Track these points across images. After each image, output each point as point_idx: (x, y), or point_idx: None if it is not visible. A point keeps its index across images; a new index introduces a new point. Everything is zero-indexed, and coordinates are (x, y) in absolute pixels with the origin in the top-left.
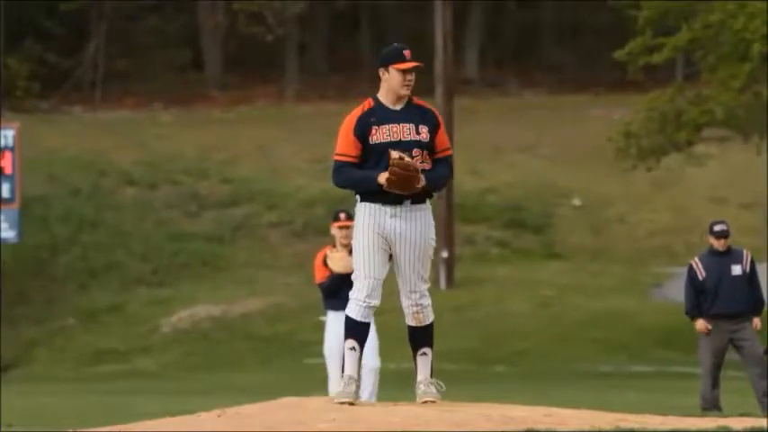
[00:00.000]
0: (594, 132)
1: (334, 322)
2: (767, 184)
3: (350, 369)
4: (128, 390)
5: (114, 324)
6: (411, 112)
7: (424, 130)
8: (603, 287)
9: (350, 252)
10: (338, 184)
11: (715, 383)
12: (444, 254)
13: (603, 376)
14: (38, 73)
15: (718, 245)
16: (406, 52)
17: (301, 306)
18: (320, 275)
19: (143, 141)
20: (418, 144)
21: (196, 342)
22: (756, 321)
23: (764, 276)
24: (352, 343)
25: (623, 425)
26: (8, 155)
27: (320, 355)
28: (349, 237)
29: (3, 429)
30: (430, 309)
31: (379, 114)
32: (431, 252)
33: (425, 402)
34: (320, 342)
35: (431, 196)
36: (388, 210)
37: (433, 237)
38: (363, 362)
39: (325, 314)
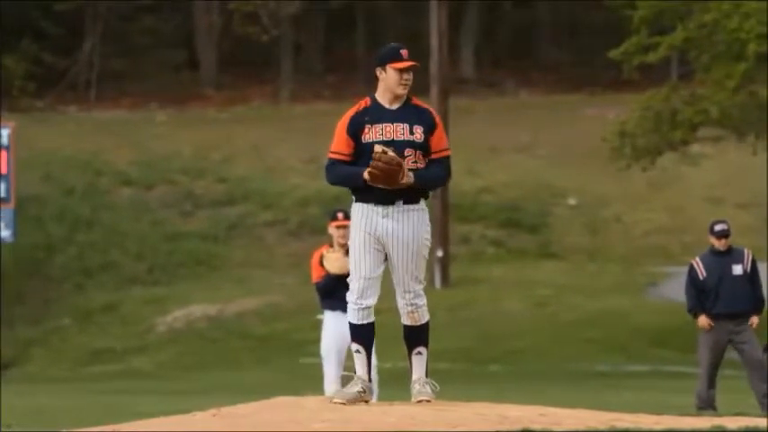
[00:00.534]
0: (590, 132)
1: (330, 321)
2: (767, 184)
3: (359, 370)
4: (124, 389)
5: (110, 324)
6: (407, 112)
7: (418, 130)
8: (599, 287)
9: (347, 252)
10: (329, 181)
11: (711, 383)
12: (439, 253)
13: (599, 376)
14: (33, 72)
15: (719, 244)
16: (403, 51)
17: (297, 305)
18: (316, 275)
19: (138, 141)
20: (411, 144)
21: (191, 341)
22: (754, 320)
23: (764, 276)
24: (356, 346)
25: (619, 424)
26: (3, 154)
27: (316, 354)
28: (346, 236)
29: (2, 429)
30: (425, 308)
31: (374, 114)
32: (425, 252)
33: (420, 402)
34: (316, 341)
35: (426, 196)
36: (380, 210)
37: (428, 237)
38: None
39: (322, 313)
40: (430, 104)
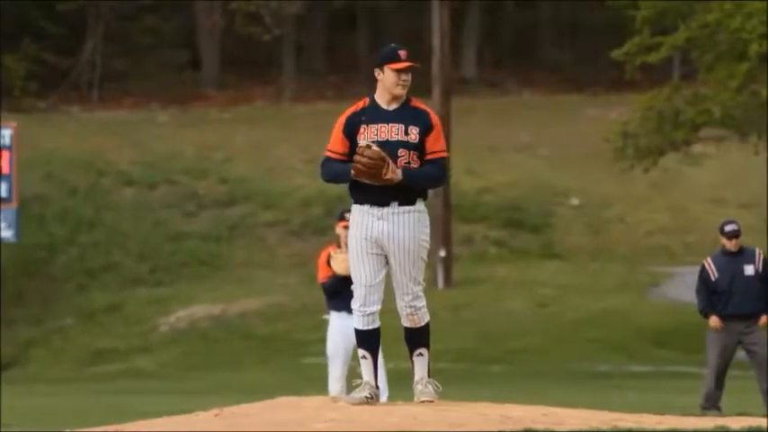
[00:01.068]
0: (592, 132)
1: (336, 322)
2: (767, 184)
3: (365, 376)
4: (126, 389)
5: (112, 324)
6: (404, 113)
7: (414, 131)
8: (602, 287)
9: None
10: (323, 178)
11: (719, 384)
12: (442, 253)
13: (601, 376)
14: (35, 72)
15: (730, 245)
16: (402, 52)
17: (299, 305)
18: (323, 275)
19: (141, 141)
20: (405, 145)
21: (194, 341)
22: (764, 319)
23: None
24: (362, 352)
25: (621, 424)
26: (5, 154)
27: (318, 354)
28: None
29: (2, 430)
30: (425, 310)
31: (371, 114)
32: (423, 254)
33: (423, 402)
34: (318, 342)
35: (424, 197)
36: (375, 212)
37: (426, 239)
38: None
39: (328, 313)
40: (432, 104)
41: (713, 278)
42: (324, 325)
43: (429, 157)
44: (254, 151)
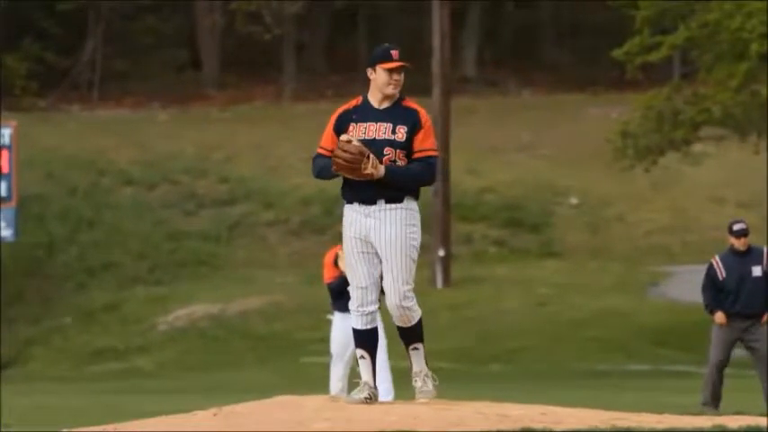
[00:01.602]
0: (592, 131)
1: (340, 322)
2: (767, 183)
3: (365, 376)
4: (125, 389)
5: (112, 323)
6: (394, 112)
7: (401, 130)
8: (601, 286)
9: None
10: (313, 174)
11: (720, 379)
12: (441, 253)
13: (600, 375)
14: (36, 72)
15: (739, 244)
16: (394, 52)
17: (299, 305)
18: (329, 275)
19: (141, 141)
20: (391, 143)
21: (193, 341)
22: (766, 317)
23: None
24: (360, 352)
25: (620, 424)
26: (5, 153)
27: (317, 353)
28: None
29: (2, 430)
30: (414, 308)
31: (362, 112)
32: (411, 253)
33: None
34: (317, 341)
35: (416, 197)
36: (363, 209)
37: (415, 236)
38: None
39: (332, 313)
40: (432, 104)
41: (720, 277)
42: (327, 325)
43: (416, 155)
44: (255, 151)
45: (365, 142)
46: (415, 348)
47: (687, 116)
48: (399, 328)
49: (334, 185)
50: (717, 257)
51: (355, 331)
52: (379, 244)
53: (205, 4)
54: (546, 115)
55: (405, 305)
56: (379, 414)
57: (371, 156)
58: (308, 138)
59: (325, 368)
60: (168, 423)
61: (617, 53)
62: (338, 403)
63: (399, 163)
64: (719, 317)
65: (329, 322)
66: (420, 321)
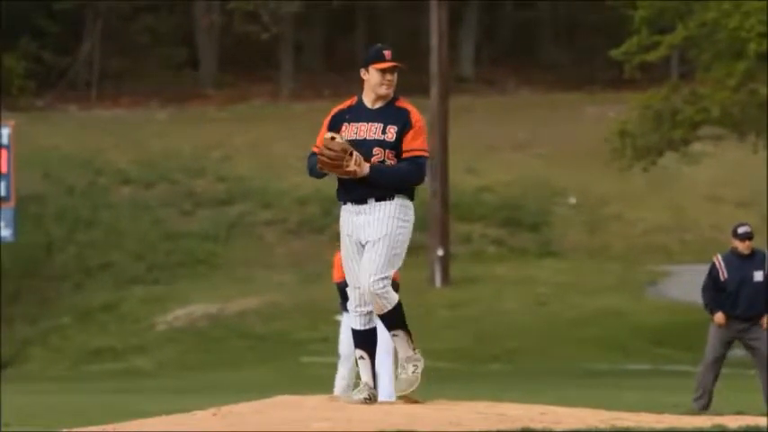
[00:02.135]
0: (590, 131)
1: (348, 323)
2: (767, 182)
3: (364, 376)
4: (124, 388)
5: (110, 323)
6: (386, 113)
7: (392, 130)
8: (599, 285)
9: None
10: (307, 172)
11: (715, 376)
12: (440, 252)
13: (599, 374)
14: (33, 71)
15: (743, 247)
16: (386, 52)
17: (297, 304)
18: (338, 275)
19: (138, 140)
20: (381, 143)
21: (192, 340)
22: (765, 320)
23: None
24: (360, 352)
25: (619, 423)
26: (4, 153)
27: (316, 353)
28: None
29: (2, 429)
30: (387, 295)
31: (355, 112)
32: (396, 247)
33: (400, 398)
34: (316, 340)
35: (410, 197)
36: (354, 209)
37: (402, 232)
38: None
39: (341, 313)
40: (430, 103)
41: (722, 278)
42: (326, 324)
43: (405, 155)
44: (252, 150)
45: (356, 142)
46: (395, 335)
47: (685, 115)
48: (379, 317)
49: (332, 185)
50: (719, 257)
51: (354, 331)
52: (365, 233)
53: (203, 4)
54: (544, 114)
55: (376, 291)
56: (379, 414)
57: (355, 153)
58: (305, 137)
59: (325, 367)
60: (168, 423)
61: (615, 53)
62: (338, 403)
63: (389, 163)
64: (719, 317)
65: (338, 323)
66: (396, 308)
